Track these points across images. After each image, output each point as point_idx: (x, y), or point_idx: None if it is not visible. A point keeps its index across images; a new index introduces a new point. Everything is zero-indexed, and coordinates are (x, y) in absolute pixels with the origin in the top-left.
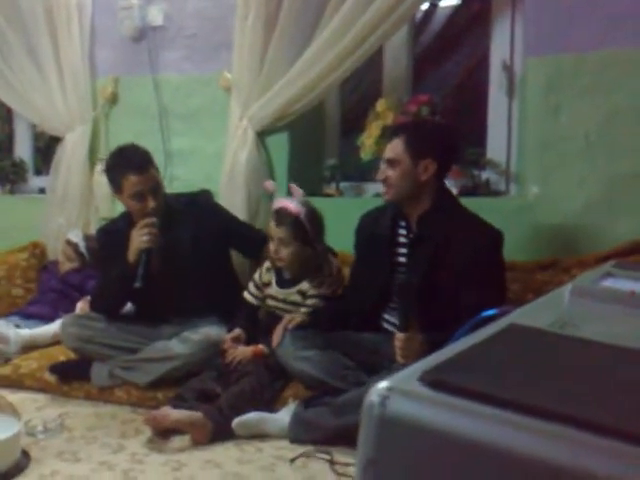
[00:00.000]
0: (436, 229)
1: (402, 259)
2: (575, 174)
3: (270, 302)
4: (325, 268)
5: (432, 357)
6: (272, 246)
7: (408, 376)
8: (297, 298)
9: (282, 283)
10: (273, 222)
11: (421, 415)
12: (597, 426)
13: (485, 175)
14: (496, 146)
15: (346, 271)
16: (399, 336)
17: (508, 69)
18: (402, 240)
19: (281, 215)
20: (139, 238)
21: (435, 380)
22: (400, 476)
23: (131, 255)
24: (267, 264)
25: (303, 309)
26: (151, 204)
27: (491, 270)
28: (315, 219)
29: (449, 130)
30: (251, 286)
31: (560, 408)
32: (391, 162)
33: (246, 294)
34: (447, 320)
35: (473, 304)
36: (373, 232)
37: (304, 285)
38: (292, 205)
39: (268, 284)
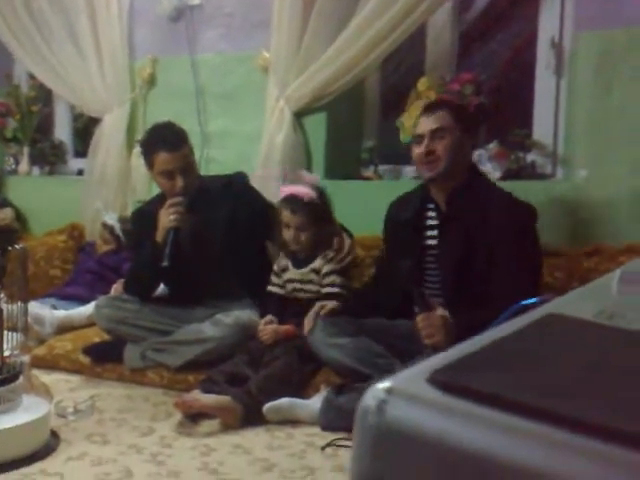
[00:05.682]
0: (466, 208)
1: (432, 242)
2: (626, 157)
3: (289, 286)
4: (334, 244)
5: (447, 353)
6: (289, 233)
7: (414, 375)
8: (313, 276)
9: (297, 264)
10: (287, 211)
11: (427, 424)
12: None
13: (530, 157)
14: (543, 127)
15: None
16: (418, 317)
17: (557, 46)
18: (431, 223)
19: (294, 202)
20: (166, 218)
21: (447, 381)
22: None
23: (159, 235)
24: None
25: (325, 289)
26: (179, 183)
27: (525, 248)
28: (325, 198)
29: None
30: (273, 277)
31: (607, 420)
32: (438, 132)
33: (270, 287)
34: (481, 300)
35: (507, 283)
36: (401, 218)
37: (317, 263)
38: (302, 190)
39: (285, 269)
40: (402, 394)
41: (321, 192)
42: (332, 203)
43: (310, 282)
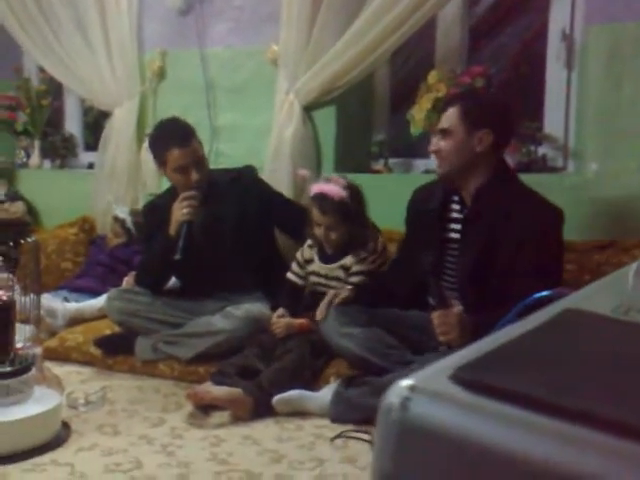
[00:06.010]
0: (492, 205)
1: (454, 235)
2: (637, 150)
3: (313, 278)
4: (370, 244)
5: (468, 350)
6: (319, 231)
7: (437, 373)
8: (340, 273)
9: (325, 259)
10: (317, 210)
11: (451, 422)
12: None
13: (542, 150)
14: (554, 120)
15: (392, 247)
16: (434, 314)
17: (567, 38)
18: (455, 216)
19: (324, 202)
20: (179, 211)
21: (470, 379)
22: None
23: (172, 228)
24: (309, 241)
25: (348, 286)
26: (195, 177)
27: (550, 250)
28: (358, 197)
29: (506, 101)
30: (294, 266)
31: (627, 418)
32: (444, 133)
33: (289, 274)
34: (498, 299)
35: (526, 285)
36: (425, 207)
37: (347, 260)
38: (333, 189)
39: (310, 261)
40: (425, 392)
41: (353, 191)
42: (365, 200)
43: (336, 279)
